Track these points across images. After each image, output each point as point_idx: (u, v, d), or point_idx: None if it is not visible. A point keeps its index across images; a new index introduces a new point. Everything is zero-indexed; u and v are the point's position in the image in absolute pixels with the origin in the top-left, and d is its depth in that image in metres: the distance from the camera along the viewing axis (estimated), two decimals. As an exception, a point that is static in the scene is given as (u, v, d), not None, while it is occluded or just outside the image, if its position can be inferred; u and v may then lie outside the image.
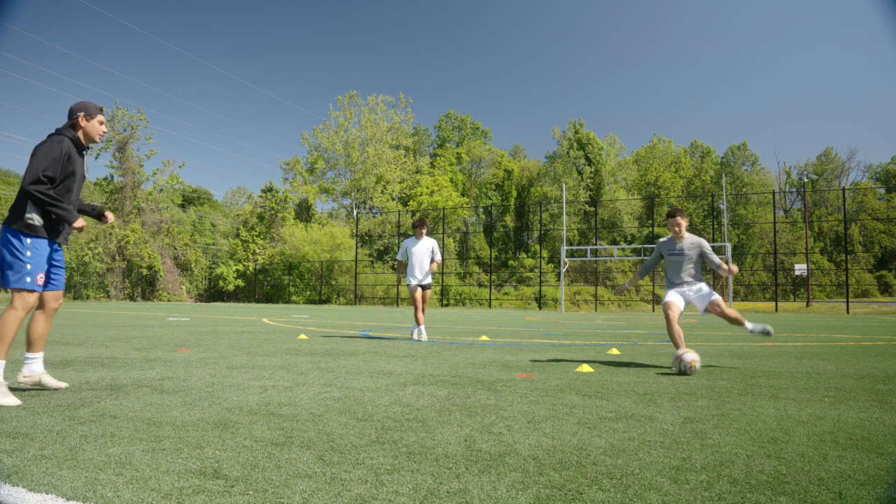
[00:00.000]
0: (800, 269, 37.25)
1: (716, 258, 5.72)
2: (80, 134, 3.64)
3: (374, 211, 51.45)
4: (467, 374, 4.74)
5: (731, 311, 5.64)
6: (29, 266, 3.40)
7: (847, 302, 28.81)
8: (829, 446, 2.51)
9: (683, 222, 5.82)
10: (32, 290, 3.44)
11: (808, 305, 34.36)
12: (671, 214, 5.82)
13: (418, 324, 8.34)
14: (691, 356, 4.94)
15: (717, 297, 5.69)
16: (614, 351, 6.69)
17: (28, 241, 3.42)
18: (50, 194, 3.44)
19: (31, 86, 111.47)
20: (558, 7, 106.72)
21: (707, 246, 5.77)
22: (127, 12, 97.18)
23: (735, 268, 5.76)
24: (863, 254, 59.10)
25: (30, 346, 3.63)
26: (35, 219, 3.44)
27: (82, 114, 3.65)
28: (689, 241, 5.77)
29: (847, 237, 39.38)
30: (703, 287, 5.76)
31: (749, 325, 5.68)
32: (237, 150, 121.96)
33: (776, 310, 29.76)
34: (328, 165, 52.97)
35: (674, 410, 3.27)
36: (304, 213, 50.73)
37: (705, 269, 45.77)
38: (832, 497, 1.88)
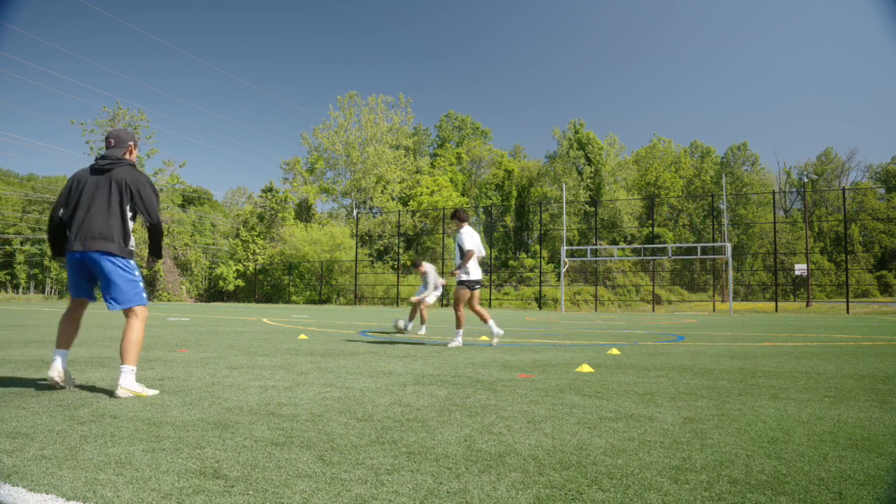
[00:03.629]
0: (800, 269, 37.24)
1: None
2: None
3: (374, 211, 51.46)
4: (467, 374, 4.74)
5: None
6: (141, 284, 3.83)
7: (847, 302, 28.81)
8: (829, 446, 2.51)
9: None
10: (146, 304, 3.86)
11: (808, 305, 34.35)
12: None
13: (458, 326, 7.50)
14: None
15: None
16: (614, 351, 6.69)
17: (132, 262, 3.80)
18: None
19: (31, 86, 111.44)
20: (558, 7, 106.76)
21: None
22: (127, 12, 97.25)
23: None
24: (863, 254, 59.04)
25: (68, 344, 3.85)
26: (134, 245, 3.84)
27: (133, 143, 3.94)
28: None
29: (847, 237, 39.37)
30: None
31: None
32: (237, 150, 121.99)
33: (776, 310, 29.76)
34: (328, 165, 52.97)
35: (674, 410, 3.27)
36: (304, 213, 50.75)
37: (705, 270, 45.77)
38: (832, 497, 1.88)
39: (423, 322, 10.25)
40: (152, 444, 2.40)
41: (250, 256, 45.42)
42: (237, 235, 48.54)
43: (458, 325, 7.33)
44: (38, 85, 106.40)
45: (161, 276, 42.22)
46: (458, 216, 7.59)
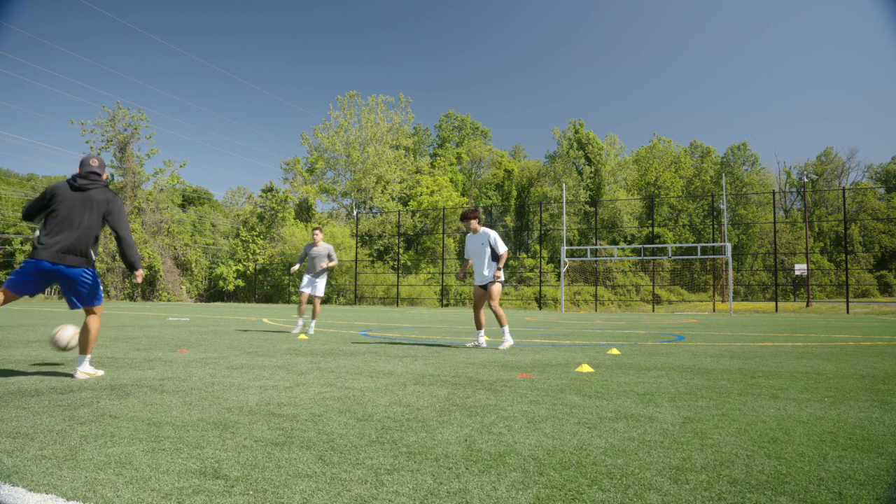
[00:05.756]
0: (800, 269, 37.24)
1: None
2: None
3: (374, 211, 51.44)
4: (467, 374, 4.74)
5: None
6: (101, 287, 4.44)
7: (847, 302, 28.81)
8: (829, 446, 2.51)
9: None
10: (102, 303, 4.47)
11: (808, 305, 34.34)
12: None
13: (478, 328, 7.46)
14: None
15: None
16: (614, 351, 6.69)
17: (94, 270, 4.36)
18: None
19: (31, 86, 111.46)
20: (558, 7, 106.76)
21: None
22: (127, 12, 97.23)
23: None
24: (863, 254, 58.99)
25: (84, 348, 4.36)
26: (96, 254, 4.35)
27: (106, 173, 4.41)
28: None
29: (847, 237, 39.35)
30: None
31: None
32: (237, 150, 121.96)
33: (776, 310, 29.76)
34: (328, 165, 52.96)
35: (674, 410, 3.27)
36: (304, 213, 50.72)
37: (705, 270, 45.78)
38: (832, 497, 1.88)
39: (314, 317, 9.33)
40: (152, 444, 2.40)
41: (250, 256, 45.42)
42: (237, 235, 48.53)
43: (503, 323, 7.30)
44: (38, 85, 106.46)
45: (161, 276, 42.21)
46: (477, 216, 7.42)
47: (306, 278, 9.57)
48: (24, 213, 4.27)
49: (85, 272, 4.21)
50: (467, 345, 7.50)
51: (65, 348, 4.55)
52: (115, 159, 43.00)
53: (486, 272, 7.31)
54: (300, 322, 9.60)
